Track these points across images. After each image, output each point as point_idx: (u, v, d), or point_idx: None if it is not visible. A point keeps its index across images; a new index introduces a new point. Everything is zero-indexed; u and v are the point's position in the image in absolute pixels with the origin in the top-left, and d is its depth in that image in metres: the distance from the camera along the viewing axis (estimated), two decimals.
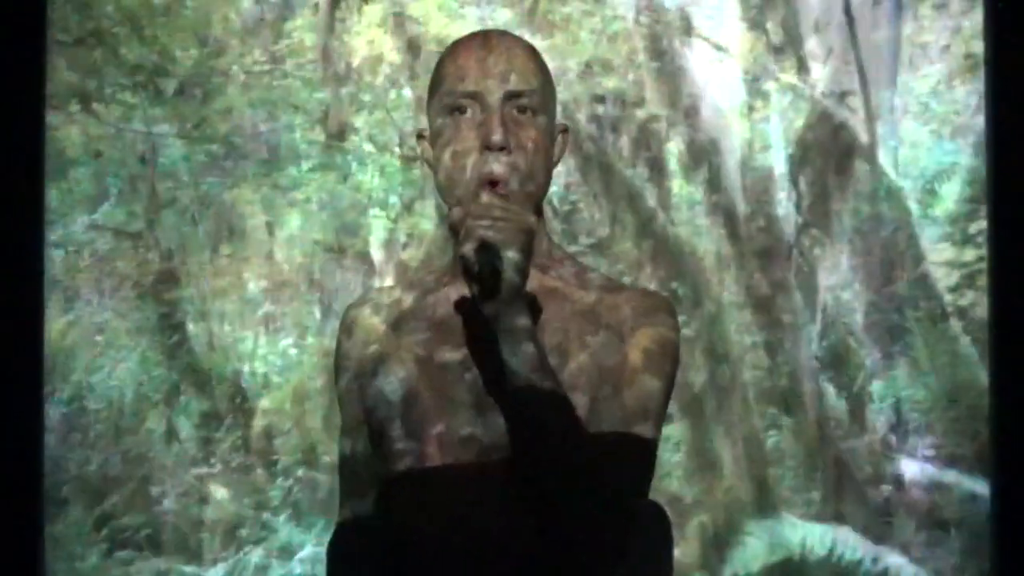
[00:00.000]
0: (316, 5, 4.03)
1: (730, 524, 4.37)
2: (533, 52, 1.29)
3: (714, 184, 4.34)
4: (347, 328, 1.32)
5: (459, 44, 1.27)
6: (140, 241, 3.94)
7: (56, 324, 4.20)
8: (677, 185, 4.31)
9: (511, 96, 1.22)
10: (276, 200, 3.86)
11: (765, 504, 4.33)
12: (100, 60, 3.61)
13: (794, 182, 4.36)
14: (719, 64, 4.33)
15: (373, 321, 1.29)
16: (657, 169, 4.30)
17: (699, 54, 4.31)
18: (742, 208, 4.31)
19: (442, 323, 1.24)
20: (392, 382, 1.21)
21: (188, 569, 3.93)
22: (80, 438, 3.74)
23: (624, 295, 1.26)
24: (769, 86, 4.28)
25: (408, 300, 1.30)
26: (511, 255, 1.09)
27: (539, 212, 1.26)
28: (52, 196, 3.95)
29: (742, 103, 4.23)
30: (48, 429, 3.75)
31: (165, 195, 3.86)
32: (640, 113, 4.28)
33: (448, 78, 1.24)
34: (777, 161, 4.31)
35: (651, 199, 4.28)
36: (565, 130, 1.31)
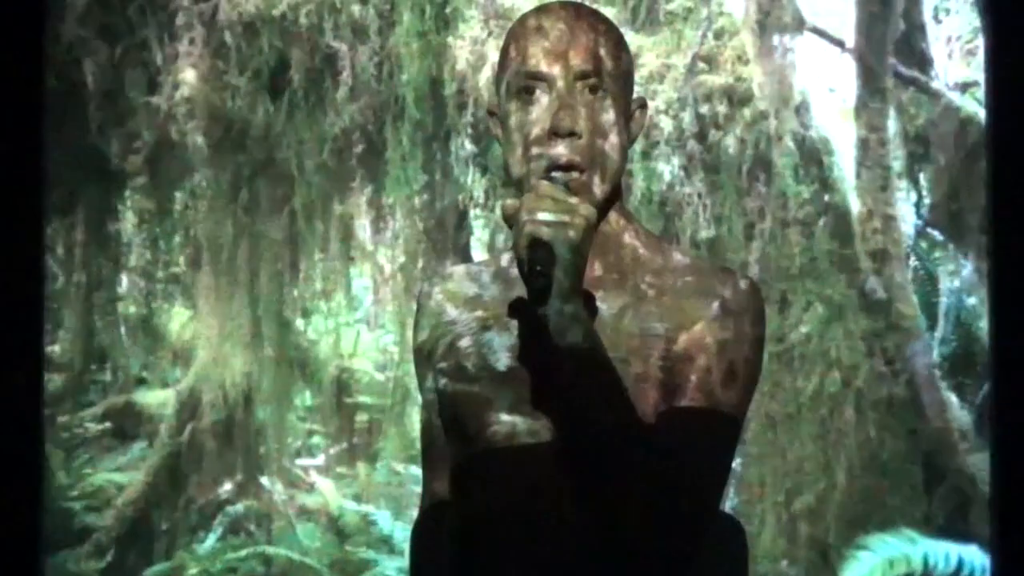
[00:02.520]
0: (422, 10, 4.11)
1: (842, 537, 4.20)
2: (606, 25, 1.16)
3: (826, 183, 4.18)
4: (421, 308, 1.25)
5: (527, 19, 1.16)
6: (255, 240, 4.11)
7: (179, 318, 4.48)
8: (787, 184, 4.17)
9: (582, 77, 1.12)
10: (379, 200, 3.96)
11: (880, 517, 4.13)
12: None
13: (913, 181, 4.15)
14: (833, 58, 4.17)
15: (447, 301, 1.22)
16: (765, 168, 4.17)
17: (812, 48, 4.15)
18: (856, 208, 4.13)
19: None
20: (464, 363, 1.16)
21: (294, 556, 4.09)
22: (195, 427, 3.95)
23: (706, 281, 1.14)
24: (887, 80, 4.09)
25: (484, 278, 1.23)
26: (564, 256, 1.01)
27: (616, 194, 1.17)
28: (179, 199, 4.23)
29: (858, 98, 4.05)
30: (167, 416, 4.00)
31: (278, 196, 4.02)
32: (748, 111, 4.16)
33: (515, 57, 1.14)
34: (895, 159, 4.11)
35: (758, 199, 4.16)
36: (644, 105, 1.19)
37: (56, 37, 4.14)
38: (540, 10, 1.17)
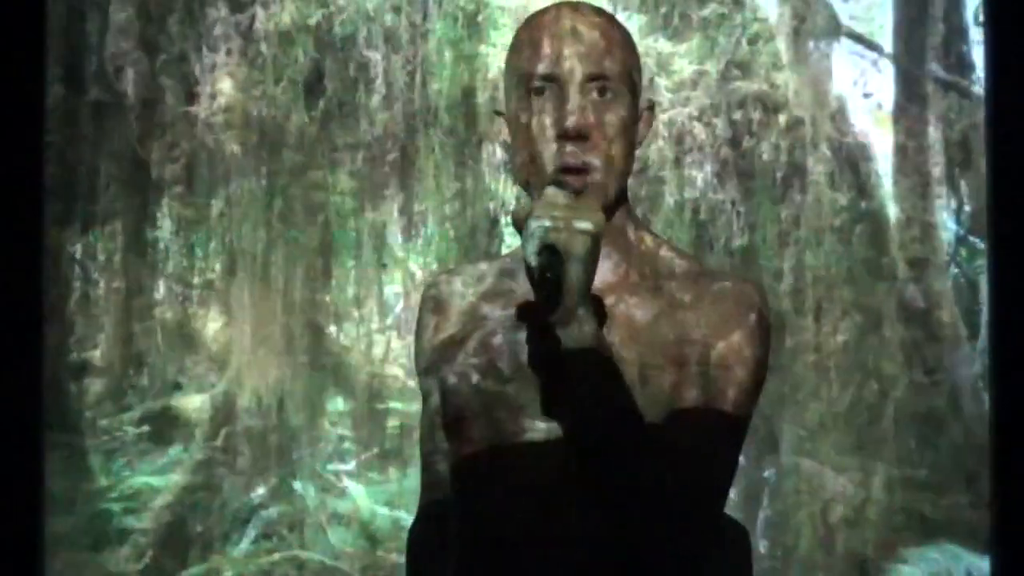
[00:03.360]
0: (455, 19, 4.14)
1: (881, 550, 4.13)
2: (615, 26, 1.16)
3: (864, 190, 4.12)
4: (427, 305, 1.27)
5: (535, 20, 1.16)
6: (288, 247, 4.16)
7: (214, 324, 4.52)
8: (822, 191, 4.12)
9: (591, 79, 1.12)
10: (411, 207, 3.99)
11: (921, 531, 4.06)
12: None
13: (954, 188, 4.07)
14: (871, 63, 4.10)
15: (453, 299, 1.24)
16: (800, 175, 4.13)
17: (848, 53, 4.09)
18: (895, 215, 4.07)
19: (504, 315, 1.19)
20: (470, 363, 1.17)
21: (327, 560, 4.11)
22: (229, 431, 4.00)
23: (713, 284, 1.15)
24: (926, 85, 4.02)
25: (490, 278, 1.24)
26: (574, 261, 1.01)
27: (623, 197, 1.17)
28: (215, 206, 4.31)
29: (896, 104, 3.99)
30: (200, 422, 4.06)
31: (312, 204, 4.07)
32: (783, 117, 4.12)
33: (524, 58, 1.14)
34: (935, 165, 4.04)
35: (793, 206, 4.12)
36: (651, 107, 1.20)
37: (100, 49, 4.25)
38: (549, 11, 1.16)
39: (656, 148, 3.94)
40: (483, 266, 1.27)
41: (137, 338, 4.11)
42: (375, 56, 4.16)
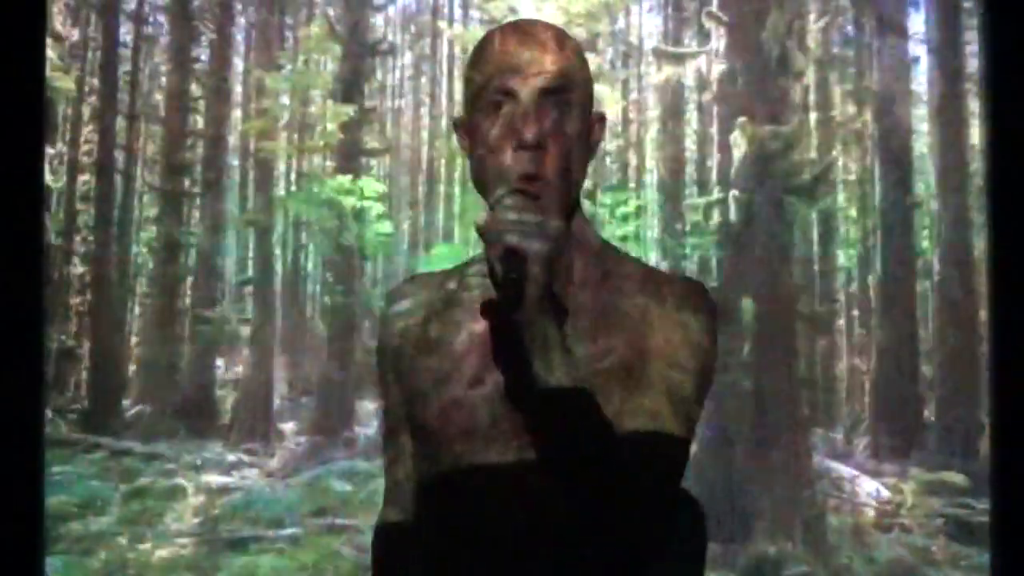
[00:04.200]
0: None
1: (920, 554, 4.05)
2: (568, 43, 1.23)
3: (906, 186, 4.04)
4: (388, 313, 1.32)
5: (492, 36, 1.23)
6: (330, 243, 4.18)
7: (191, 319, 4.53)
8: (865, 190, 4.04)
9: (546, 92, 1.19)
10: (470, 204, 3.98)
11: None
12: None
13: None
14: (915, 59, 4.01)
15: (414, 307, 1.29)
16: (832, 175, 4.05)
17: (892, 50, 4.01)
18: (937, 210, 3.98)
19: (464, 318, 1.24)
20: (429, 367, 1.22)
21: None
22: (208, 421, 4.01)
23: (661, 284, 1.23)
24: (968, 82, 3.93)
25: (451, 284, 1.29)
26: (535, 263, 1.08)
27: (576, 204, 1.24)
28: (279, 223, 4.31)
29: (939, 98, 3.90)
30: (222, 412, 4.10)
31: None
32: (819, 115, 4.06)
33: (482, 72, 1.21)
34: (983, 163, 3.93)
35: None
36: (602, 118, 1.27)
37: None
38: (507, 28, 1.24)
39: None
40: (442, 275, 1.32)
41: None
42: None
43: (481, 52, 1.22)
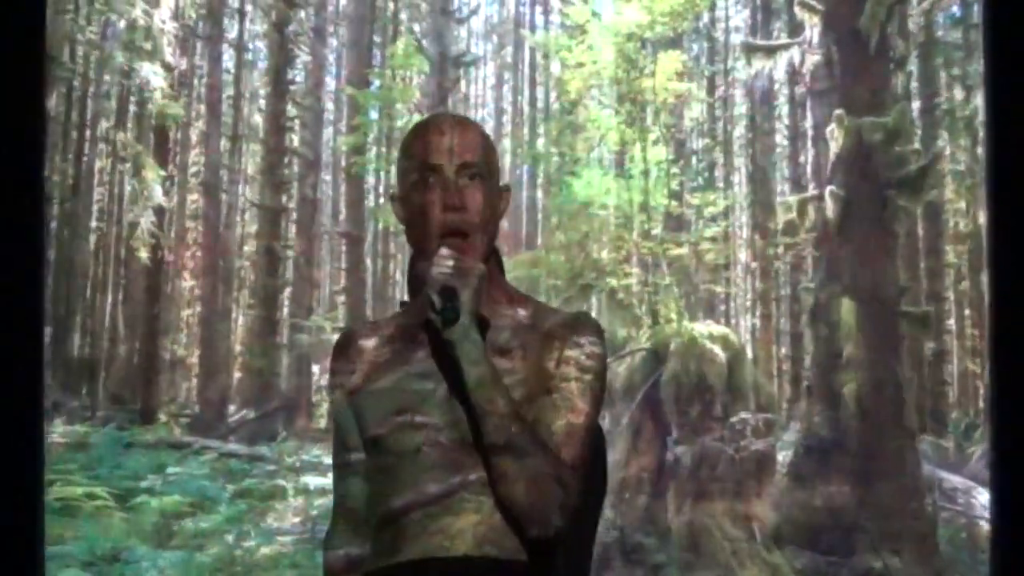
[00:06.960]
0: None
1: None
2: (479, 131, 1.63)
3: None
4: (338, 351, 1.64)
5: (421, 127, 1.62)
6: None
7: (289, 328, 4.64)
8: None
9: (462, 167, 1.56)
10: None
11: None
12: None
13: None
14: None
15: (364, 343, 1.62)
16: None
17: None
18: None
19: (419, 342, 1.59)
20: (380, 389, 1.55)
21: None
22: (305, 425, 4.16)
23: (556, 315, 1.61)
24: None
25: (393, 326, 1.63)
26: (465, 296, 1.46)
27: (492, 253, 1.61)
28: (369, 234, 4.45)
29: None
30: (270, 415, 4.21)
31: None
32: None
33: (414, 155, 1.58)
34: None
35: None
36: (508, 188, 1.66)
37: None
38: (431, 120, 1.63)
39: None
40: (382, 320, 1.67)
41: None
42: None
43: (411, 143, 1.60)
